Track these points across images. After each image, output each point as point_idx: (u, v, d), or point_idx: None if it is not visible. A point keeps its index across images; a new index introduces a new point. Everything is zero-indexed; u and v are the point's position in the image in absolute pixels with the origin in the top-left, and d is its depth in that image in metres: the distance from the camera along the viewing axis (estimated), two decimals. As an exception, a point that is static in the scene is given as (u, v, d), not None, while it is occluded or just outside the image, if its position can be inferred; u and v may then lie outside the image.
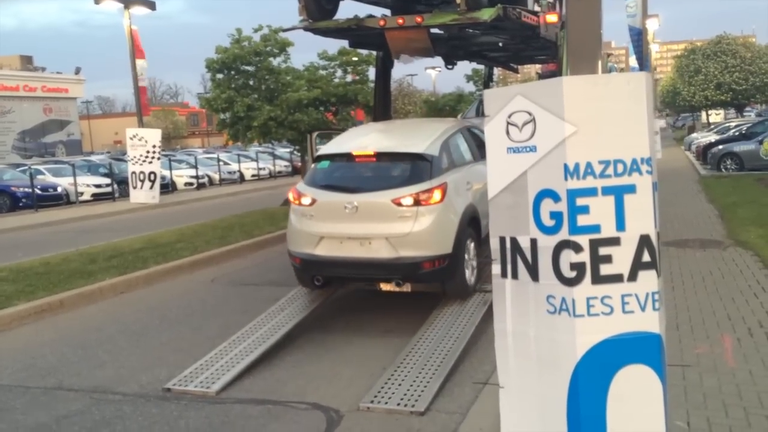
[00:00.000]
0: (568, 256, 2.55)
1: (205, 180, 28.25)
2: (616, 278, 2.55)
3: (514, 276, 2.76)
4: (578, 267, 2.54)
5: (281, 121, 15.53)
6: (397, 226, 6.06)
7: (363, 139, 7.29)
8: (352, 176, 6.78)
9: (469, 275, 6.62)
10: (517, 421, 2.85)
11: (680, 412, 3.97)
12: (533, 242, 2.67)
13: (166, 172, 24.87)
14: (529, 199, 2.66)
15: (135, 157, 21.21)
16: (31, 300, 7.88)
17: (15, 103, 49.25)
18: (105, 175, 24.48)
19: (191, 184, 26.89)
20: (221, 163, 30.64)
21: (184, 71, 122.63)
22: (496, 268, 2.82)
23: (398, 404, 4.80)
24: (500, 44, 10.96)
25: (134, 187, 20.92)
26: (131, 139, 21.54)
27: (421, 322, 6.10)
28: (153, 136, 21.65)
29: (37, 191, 20.77)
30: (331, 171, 6.83)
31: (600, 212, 2.53)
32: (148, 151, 21.31)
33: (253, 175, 31.70)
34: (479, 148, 7.49)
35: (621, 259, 2.54)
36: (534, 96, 2.61)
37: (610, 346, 2.55)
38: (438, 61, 12.24)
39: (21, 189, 21.10)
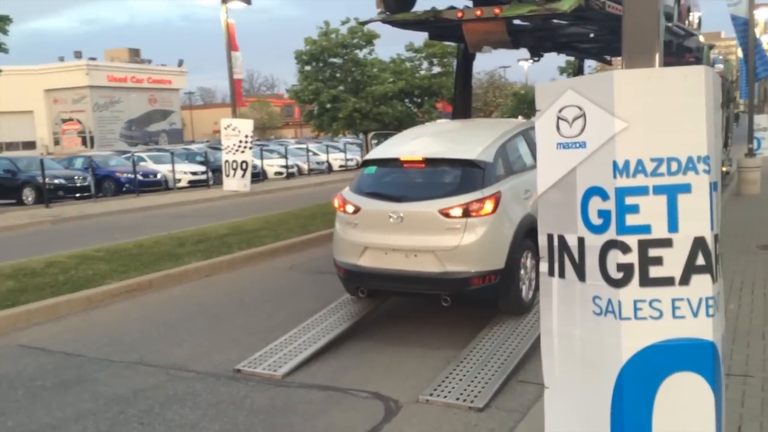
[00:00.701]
0: (615, 257, 2.46)
1: (294, 170, 28.93)
2: (667, 281, 2.43)
3: (561, 275, 2.69)
4: (625, 268, 2.45)
5: (366, 113, 15.74)
6: (445, 239, 5.71)
7: (413, 144, 6.81)
8: (399, 183, 6.39)
9: (526, 291, 6.19)
10: (560, 423, 2.79)
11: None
12: (581, 241, 2.59)
13: (258, 162, 25.66)
14: (577, 197, 2.58)
15: (228, 146, 22.08)
16: (123, 279, 8.38)
17: (123, 94, 52.24)
18: (201, 163, 25.55)
19: (281, 173, 27.63)
20: (310, 153, 31.32)
21: (281, 63, 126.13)
22: (543, 266, 2.76)
23: (457, 399, 4.79)
24: (591, 35, 10.61)
25: (227, 175, 21.78)
26: (225, 129, 22.42)
27: (489, 320, 6.05)
28: (246, 126, 22.44)
29: (139, 177, 21.98)
30: (378, 177, 6.47)
31: (651, 212, 2.42)
32: (240, 141, 22.12)
33: (340, 166, 32.17)
34: None
35: (672, 262, 2.42)
36: (585, 90, 2.52)
37: (658, 351, 2.44)
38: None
39: (125, 175, 22.39)
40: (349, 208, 6.16)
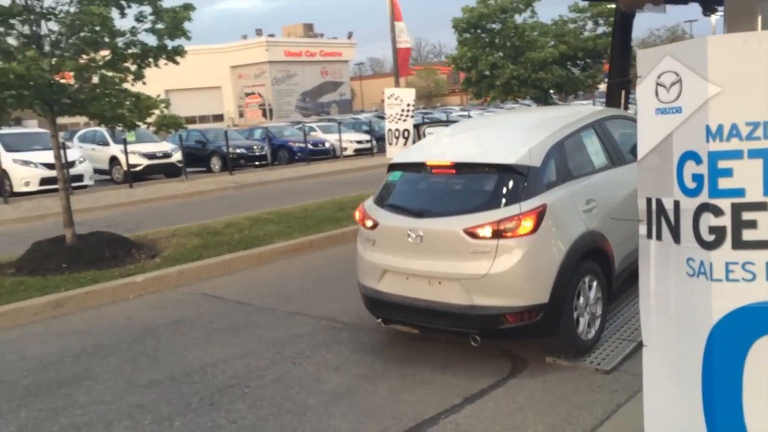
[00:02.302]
0: (707, 219, 2.50)
1: (457, 137, 29.21)
2: (761, 244, 2.44)
3: (659, 237, 2.77)
4: (717, 231, 2.49)
5: (524, 79, 15.56)
6: (471, 265, 4.60)
7: (447, 143, 5.79)
8: (423, 194, 5.32)
9: (584, 328, 4.95)
10: (656, 381, 2.88)
11: None
12: (676, 204, 2.65)
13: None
14: (673, 161, 2.64)
15: (391, 115, 22.74)
16: (289, 240, 9.29)
17: (298, 67, 55.36)
18: (366, 132, 26.66)
19: (443, 141, 28.05)
20: (473, 120, 31.35)
21: (448, 30, 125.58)
22: (642, 229, 2.85)
23: (585, 360, 4.91)
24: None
25: (389, 144, 22.41)
26: (388, 98, 22.99)
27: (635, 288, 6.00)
28: (408, 95, 22.90)
29: (309, 146, 23.51)
30: (402, 185, 5.38)
31: (745, 176, 2.44)
32: (402, 110, 22.64)
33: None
34: (624, 147, 5.84)
35: (767, 225, 2.43)
36: (681, 56, 2.56)
37: (750, 313, 2.47)
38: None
39: (297, 144, 24.05)
40: (368, 223, 5.22)
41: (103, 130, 19.15)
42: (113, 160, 20.34)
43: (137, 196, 16.29)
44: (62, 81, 8.10)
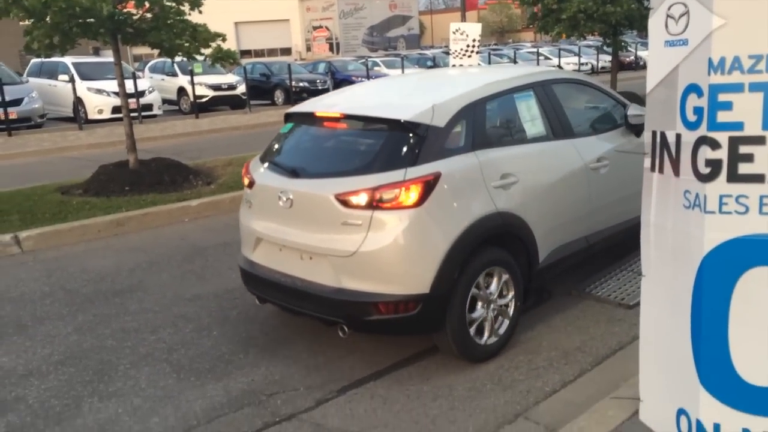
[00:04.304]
0: (704, 152, 2.54)
1: (523, 74, 28.55)
2: (756, 178, 2.46)
3: (660, 170, 2.80)
4: (713, 164, 2.51)
5: (591, 13, 14.94)
6: (341, 240, 3.81)
7: (349, 94, 5.12)
8: (304, 151, 4.56)
9: (489, 330, 4.11)
10: (652, 309, 2.98)
11: None
12: (678, 137, 2.68)
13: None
14: (677, 94, 2.65)
15: (456, 50, 22.39)
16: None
17: (366, 1, 54.51)
18: (430, 67, 26.37)
19: (508, 78, 27.48)
20: (541, 57, 30.46)
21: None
22: (647, 162, 2.89)
23: (609, 295, 5.00)
24: None
25: (453, 80, 22.37)
26: (453, 33, 22.60)
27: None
28: (474, 30, 22.41)
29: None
30: (288, 139, 4.63)
31: (744, 109, 2.44)
32: (468, 45, 22.20)
33: (574, 71, 30.95)
34: (576, 118, 5.00)
35: (763, 159, 2.44)
36: (690, -13, 2.54)
37: (740, 245, 2.51)
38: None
39: (360, 79, 24.02)
40: (246, 180, 4.55)
41: (173, 61, 19.66)
42: (181, 91, 20.94)
43: (202, 126, 16.83)
44: (125, 10, 8.40)
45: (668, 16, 2.69)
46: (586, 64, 31.53)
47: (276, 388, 3.88)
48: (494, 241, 4.10)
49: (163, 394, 3.87)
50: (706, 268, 2.62)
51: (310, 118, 4.57)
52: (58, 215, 7.48)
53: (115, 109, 17.05)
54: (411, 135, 3.91)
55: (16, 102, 15.87)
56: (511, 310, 4.25)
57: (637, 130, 5.16)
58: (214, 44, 8.90)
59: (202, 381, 4.00)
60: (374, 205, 3.72)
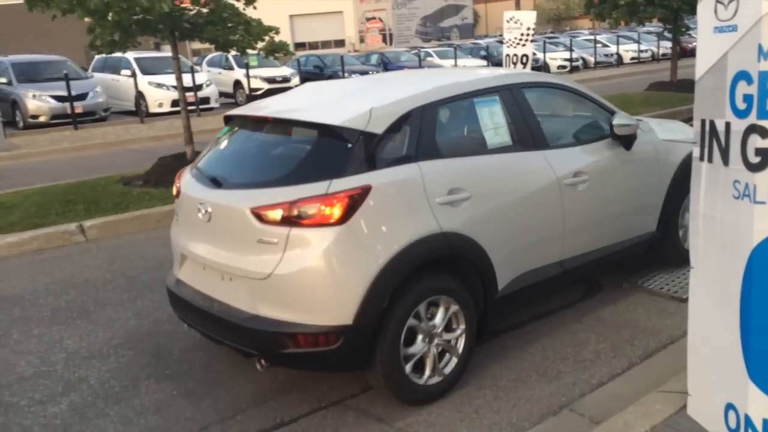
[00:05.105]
0: (754, 141, 2.47)
1: (579, 63, 27.96)
2: (808, 168, 2.40)
3: (710, 160, 2.74)
4: (763, 153, 2.45)
5: (650, -2, 14.56)
6: (256, 260, 3.37)
7: (288, 96, 4.57)
8: (231, 156, 4.09)
9: (432, 366, 3.58)
10: (700, 302, 2.92)
11: None
12: (727, 126, 2.61)
13: (540, 55, 25.37)
14: (727, 82, 2.58)
15: (510, 39, 22.05)
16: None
17: (420, -9, 54.25)
18: (483, 57, 26.13)
19: (564, 66, 26.96)
20: (598, 45, 29.75)
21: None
22: (696, 151, 2.83)
23: (662, 288, 4.90)
24: None
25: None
26: (507, 22, 22.26)
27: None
28: (528, 18, 22.06)
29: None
30: (221, 144, 4.16)
31: (796, 96, 2.37)
32: (522, 34, 21.86)
33: (632, 58, 30.15)
34: (552, 127, 4.52)
35: (817, 149, 2.37)
36: (741, -29, 2.47)
37: (791, 236, 2.46)
38: None
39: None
40: (174, 189, 4.17)
41: (228, 55, 20.06)
42: (237, 84, 21.37)
43: (257, 118, 17.12)
44: (182, 6, 8.65)
45: (717, 1, 2.63)
46: (646, 51, 30.67)
47: (324, 374, 3.98)
48: (440, 266, 3.58)
49: (216, 378, 4.01)
50: (755, 260, 2.55)
51: (244, 121, 4.13)
52: (120, 205, 7.80)
53: (175, 103, 17.54)
54: (341, 142, 3.43)
55: (82, 96, 16.52)
56: (460, 347, 3.68)
57: (626, 141, 4.54)
58: (267, 37, 9.07)
59: (252, 367, 4.12)
60: (292, 221, 3.26)
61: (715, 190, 2.75)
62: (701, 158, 2.83)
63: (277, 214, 3.28)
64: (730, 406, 2.77)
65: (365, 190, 3.29)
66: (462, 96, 3.99)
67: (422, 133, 3.63)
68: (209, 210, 3.60)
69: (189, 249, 3.85)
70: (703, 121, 2.80)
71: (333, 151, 3.48)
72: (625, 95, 15.33)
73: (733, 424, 2.75)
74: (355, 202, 3.26)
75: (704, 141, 2.79)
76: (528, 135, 4.13)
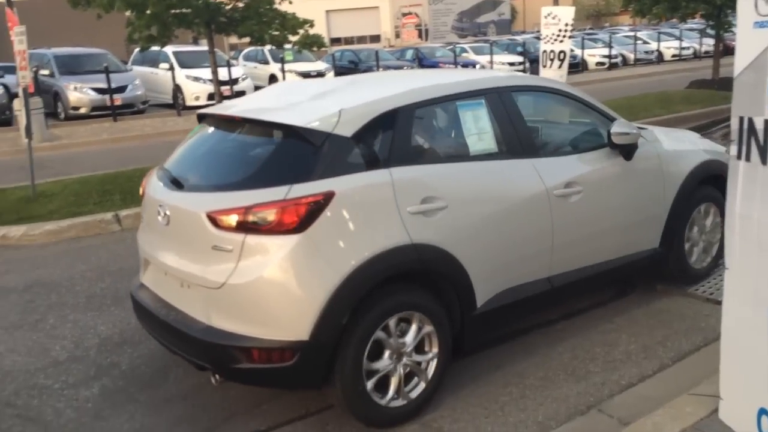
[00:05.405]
0: (794, 139, 2.41)
1: (618, 59, 27.50)
2: None
3: (747, 158, 2.67)
4: (803, 152, 2.39)
5: (694, -8, 14.23)
6: (210, 268, 3.20)
7: (261, 95, 4.45)
8: (195, 157, 3.91)
9: (390, 389, 3.33)
10: (735, 304, 2.85)
11: None
12: (766, 123, 2.54)
13: (578, 51, 25.02)
14: (766, 78, 2.52)
15: (547, 35, 21.77)
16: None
17: (456, -14, 53.95)
18: (519, 53, 25.87)
19: (603, 63, 26.57)
20: (638, 42, 29.22)
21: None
22: (733, 149, 2.76)
23: (697, 290, 4.80)
24: None
25: (544, 66, 21.55)
26: (545, 17, 22.01)
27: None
28: (566, 14, 21.76)
29: (459, 67, 23.30)
30: (189, 144, 4.00)
31: (840, 93, 2.30)
32: (560, 30, 21.57)
33: (673, 55, 29.53)
34: (543, 133, 4.38)
35: None
36: (784, -36, 2.40)
37: (832, 239, 2.38)
38: None
39: (446, 66, 23.93)
40: (141, 190, 4.01)
41: (264, 49, 20.23)
42: (272, 78, 21.54)
43: (291, 112, 17.23)
44: (218, 0, 8.75)
45: (759, -5, 2.55)
46: (688, 48, 30.02)
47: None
48: (411, 280, 3.36)
49: (244, 368, 4.05)
50: (793, 262, 2.48)
51: (214, 120, 3.95)
52: (155, 196, 7.92)
53: (211, 96, 17.71)
54: (306, 144, 3.24)
55: (121, 89, 16.84)
56: (430, 372, 3.42)
57: (625, 151, 4.23)
58: (302, 31, 9.12)
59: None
60: (248, 227, 3.07)
61: (753, 190, 2.68)
62: (738, 156, 2.75)
63: (232, 219, 3.10)
64: (763, 411, 2.71)
65: (327, 197, 3.10)
66: (442, 98, 3.79)
67: (396, 137, 3.42)
68: (168, 213, 3.44)
69: (151, 253, 3.70)
70: (741, 119, 2.73)
71: (297, 153, 3.28)
72: (664, 93, 15.04)
73: (766, 430, 2.69)
74: (315, 209, 3.07)
75: (742, 139, 2.72)
76: (516, 141, 3.86)
